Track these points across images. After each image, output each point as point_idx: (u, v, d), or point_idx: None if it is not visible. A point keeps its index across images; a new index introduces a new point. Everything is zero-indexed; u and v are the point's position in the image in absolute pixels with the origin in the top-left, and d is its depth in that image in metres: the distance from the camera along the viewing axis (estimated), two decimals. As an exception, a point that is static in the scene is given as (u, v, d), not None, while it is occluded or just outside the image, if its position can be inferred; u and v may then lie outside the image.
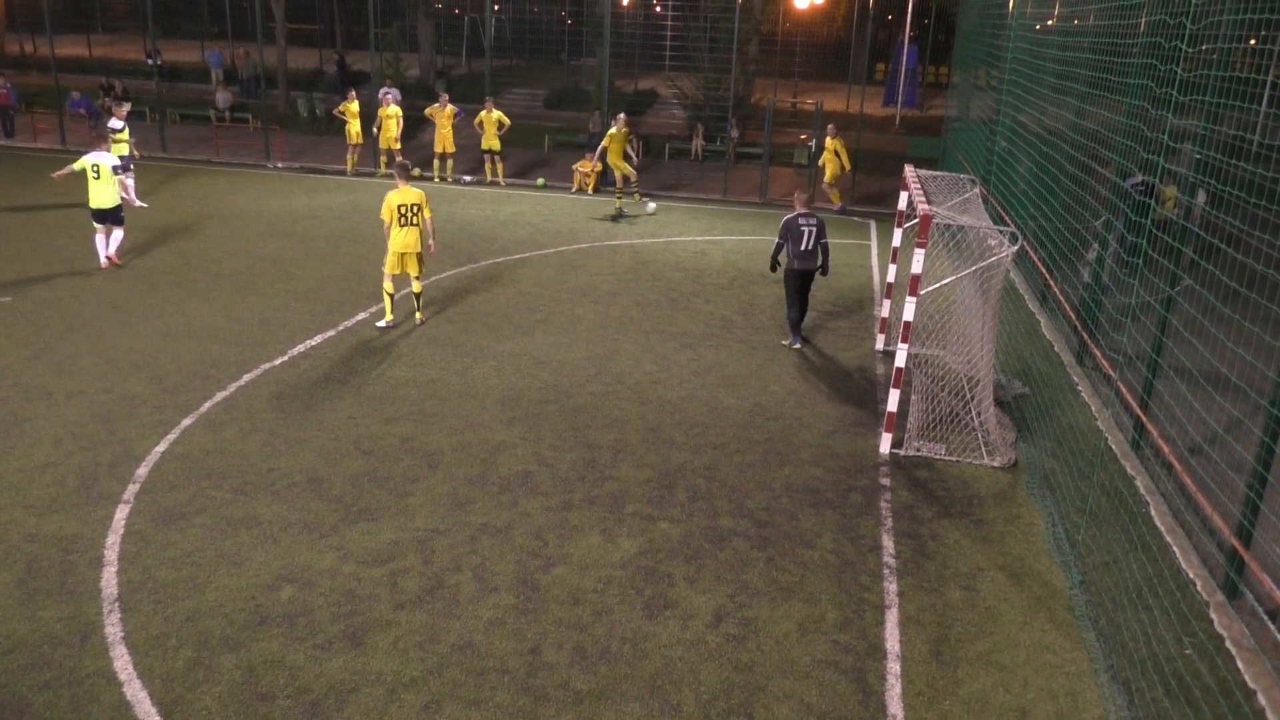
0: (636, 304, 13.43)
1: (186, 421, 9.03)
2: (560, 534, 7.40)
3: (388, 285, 11.89)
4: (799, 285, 11.69)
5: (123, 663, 5.73)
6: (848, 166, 20.92)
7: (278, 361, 10.62)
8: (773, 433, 9.46)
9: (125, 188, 17.24)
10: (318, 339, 11.38)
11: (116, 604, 6.27)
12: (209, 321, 11.80)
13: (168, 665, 5.73)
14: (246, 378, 10.13)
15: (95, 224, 13.89)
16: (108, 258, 13.94)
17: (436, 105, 21.66)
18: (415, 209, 11.60)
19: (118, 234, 14.09)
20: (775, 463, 8.82)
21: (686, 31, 26.75)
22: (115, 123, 17.54)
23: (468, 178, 22.29)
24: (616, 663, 5.97)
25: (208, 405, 9.40)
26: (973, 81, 21.18)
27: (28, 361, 10.31)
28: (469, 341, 11.57)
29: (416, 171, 22.29)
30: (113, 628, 6.03)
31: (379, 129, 21.76)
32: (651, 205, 19.94)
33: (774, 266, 11.71)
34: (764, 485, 8.37)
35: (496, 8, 34.02)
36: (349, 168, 22.55)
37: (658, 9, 25.17)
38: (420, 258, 11.85)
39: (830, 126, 21.08)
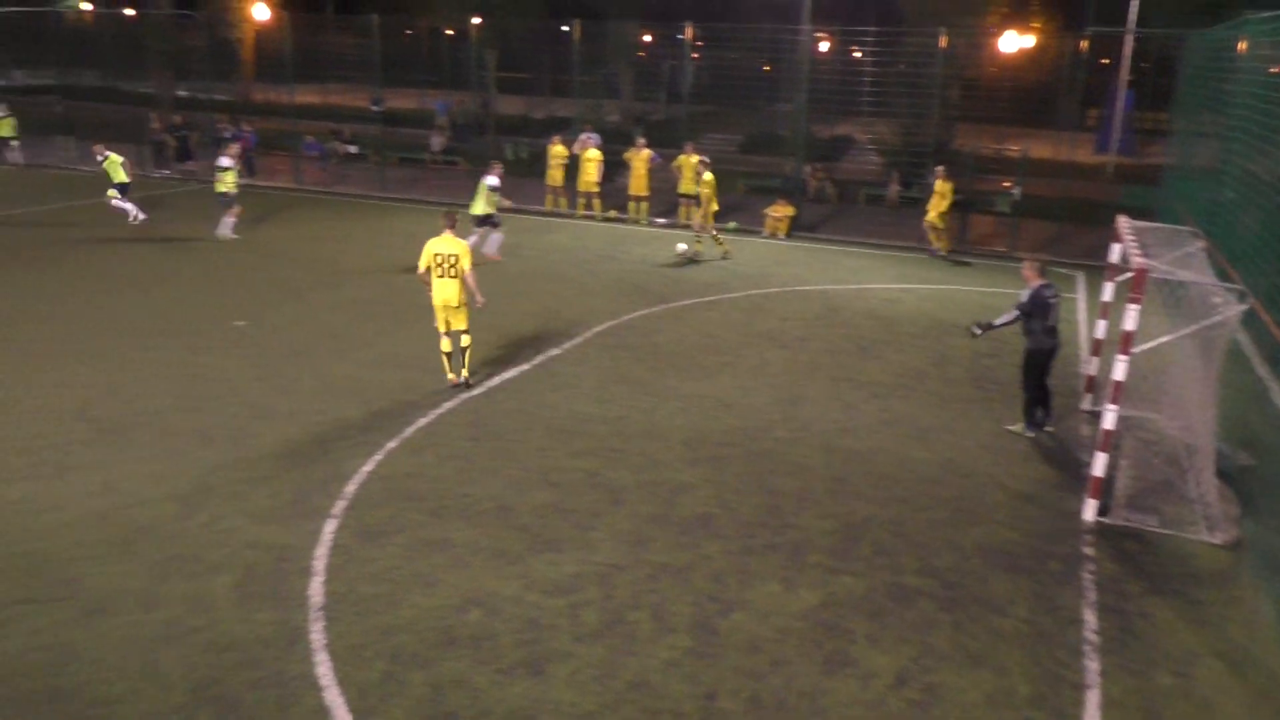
0: (825, 350, 13.25)
1: (390, 445, 9.55)
2: (740, 579, 7.34)
3: (442, 344, 11.16)
4: (1043, 365, 10.30)
5: (324, 669, 6.08)
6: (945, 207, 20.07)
7: (475, 392, 11.10)
8: (965, 490, 9.07)
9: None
10: (512, 372, 11.82)
11: (321, 613, 6.68)
12: (414, 351, 12.47)
13: (363, 675, 6.04)
14: (446, 406, 10.63)
15: (475, 228, 17.55)
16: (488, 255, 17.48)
17: (633, 149, 22.25)
18: (454, 260, 10.78)
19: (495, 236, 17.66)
20: (966, 521, 8.45)
21: (885, 77, 26.42)
22: (224, 160, 19.12)
23: (661, 220, 22.72)
24: (792, 717, 5.84)
25: (410, 430, 9.92)
26: (1197, 128, 19.84)
27: (255, 381, 11.20)
28: (656, 381, 11.73)
29: (613, 213, 22.94)
30: (316, 635, 6.42)
31: (550, 164, 22.66)
32: (682, 246, 18.59)
33: (983, 331, 10.51)
34: (953, 544, 8.03)
35: (695, 56, 34.71)
36: (549, 208, 23.45)
37: (857, 54, 25.02)
38: (465, 310, 11.00)
39: (940, 169, 20.30)
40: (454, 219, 11.07)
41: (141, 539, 7.61)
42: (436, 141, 31.99)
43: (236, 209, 19.17)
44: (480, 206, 17.78)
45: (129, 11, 42.61)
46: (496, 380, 11.52)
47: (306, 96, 38.35)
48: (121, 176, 19.93)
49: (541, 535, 7.89)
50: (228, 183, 19.00)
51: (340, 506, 8.24)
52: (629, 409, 10.79)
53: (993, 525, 8.40)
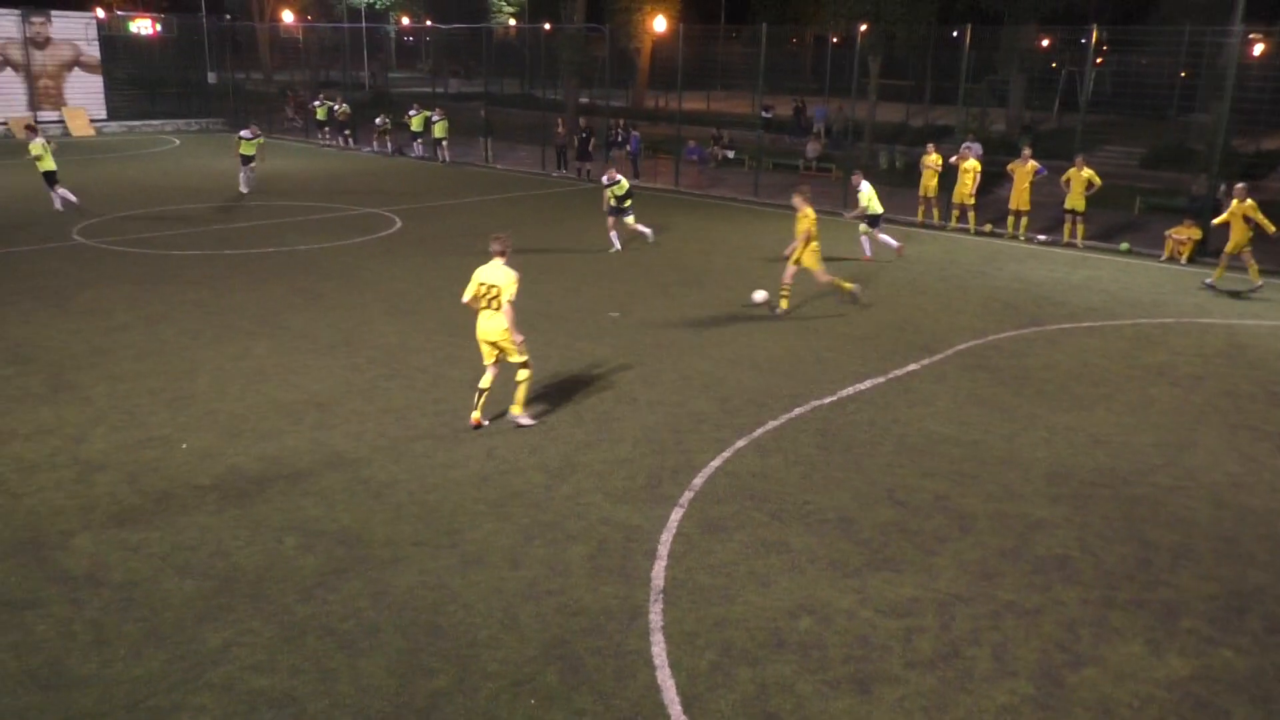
0: (1224, 393, 11.71)
1: (740, 443, 9.78)
2: (1096, 632, 6.70)
3: (483, 379, 9.94)
4: None
5: (658, 649, 6.37)
6: (1270, 229, 16.55)
7: (826, 400, 11.06)
8: (1396, 574, 7.62)
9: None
10: (867, 384, 11.63)
11: (661, 595, 7.00)
12: (771, 354, 12.66)
13: (694, 662, 6.25)
14: (796, 411, 10.69)
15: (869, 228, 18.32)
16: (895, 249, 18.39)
17: (1018, 161, 20.97)
18: (495, 291, 9.52)
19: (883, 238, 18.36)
20: (1395, 612, 7.09)
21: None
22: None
23: (1042, 236, 21.24)
24: (1145, 795, 5.24)
25: (760, 431, 10.10)
26: None
27: (622, 370, 11.95)
28: (1019, 407, 11.00)
29: (988, 227, 21.81)
30: (655, 616, 6.74)
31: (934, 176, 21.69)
32: (760, 294, 14.39)
33: None
34: (1374, 636, 6.77)
35: (1099, 61, 31.98)
36: (919, 219, 22.76)
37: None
38: (507, 347, 9.70)
39: (1239, 187, 16.86)
40: (506, 245, 9.69)
41: (513, 503, 8.41)
42: (811, 148, 32.21)
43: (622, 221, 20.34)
44: (875, 206, 18.28)
45: (546, 25, 47.04)
46: (849, 391, 11.39)
47: (693, 103, 40.21)
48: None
49: (882, 553, 7.71)
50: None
51: (687, 497, 8.57)
52: (987, 433, 10.22)
53: None
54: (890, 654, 6.39)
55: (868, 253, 18.82)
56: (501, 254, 9.65)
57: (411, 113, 33.76)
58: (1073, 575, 7.45)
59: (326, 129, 37.20)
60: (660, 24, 46.17)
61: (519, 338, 9.67)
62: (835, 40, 41.77)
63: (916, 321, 14.42)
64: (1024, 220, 21.25)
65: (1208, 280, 17.26)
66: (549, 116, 32.13)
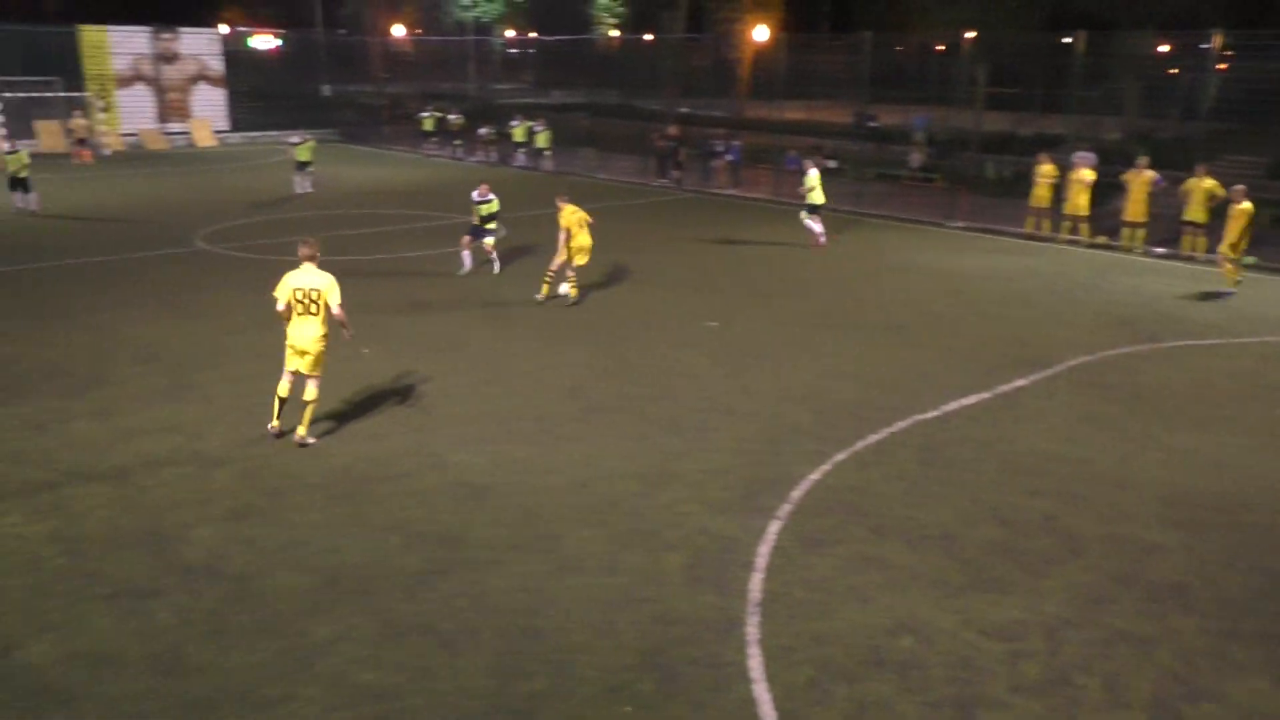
0: (1360, 416, 11.04)
1: (839, 456, 9.63)
2: (1216, 665, 6.38)
3: (281, 386, 9.67)
4: None
5: (755, 662, 6.31)
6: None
7: (929, 415, 10.81)
8: None
9: None
10: (971, 399, 11.33)
11: (758, 608, 6.93)
12: (871, 366, 12.45)
13: (790, 677, 6.17)
14: (898, 425, 10.48)
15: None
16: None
17: (1134, 170, 20.20)
18: (315, 295, 9.35)
19: None
20: None
21: None
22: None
23: (1159, 250, 20.40)
24: (1270, 839, 4.96)
25: (859, 444, 9.93)
26: None
27: (721, 379, 11.90)
28: (1133, 426, 10.57)
29: (1102, 239, 21.06)
30: (751, 629, 6.68)
31: (1066, 192, 20.98)
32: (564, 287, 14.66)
33: None
34: None
35: (1222, 67, 30.63)
36: (1028, 229, 22.10)
37: None
38: (320, 358, 9.55)
39: (1238, 189, 16.39)
40: (315, 249, 9.54)
41: (610, 510, 8.45)
42: (915, 158, 31.61)
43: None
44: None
45: (648, 36, 47.34)
46: (953, 405, 11.11)
47: (794, 113, 39.89)
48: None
49: (986, 573, 7.49)
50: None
51: (785, 509, 8.48)
52: (1098, 452, 9.84)
53: None
54: (995, 678, 6.19)
55: (821, 239, 20.02)
56: (311, 258, 9.49)
57: (514, 123, 34.40)
58: (1190, 604, 7.11)
59: (434, 139, 38.13)
60: (762, 32, 46.01)
61: (351, 333, 9.74)
62: (940, 48, 40.97)
63: (1024, 336, 14.00)
64: (1140, 232, 20.44)
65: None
66: (649, 127, 32.31)
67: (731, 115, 47.69)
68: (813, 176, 19.59)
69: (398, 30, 57.72)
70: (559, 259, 15.17)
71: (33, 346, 12.85)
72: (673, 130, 30.47)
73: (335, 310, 9.48)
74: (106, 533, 7.93)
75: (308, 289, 9.42)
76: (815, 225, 19.95)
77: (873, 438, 10.11)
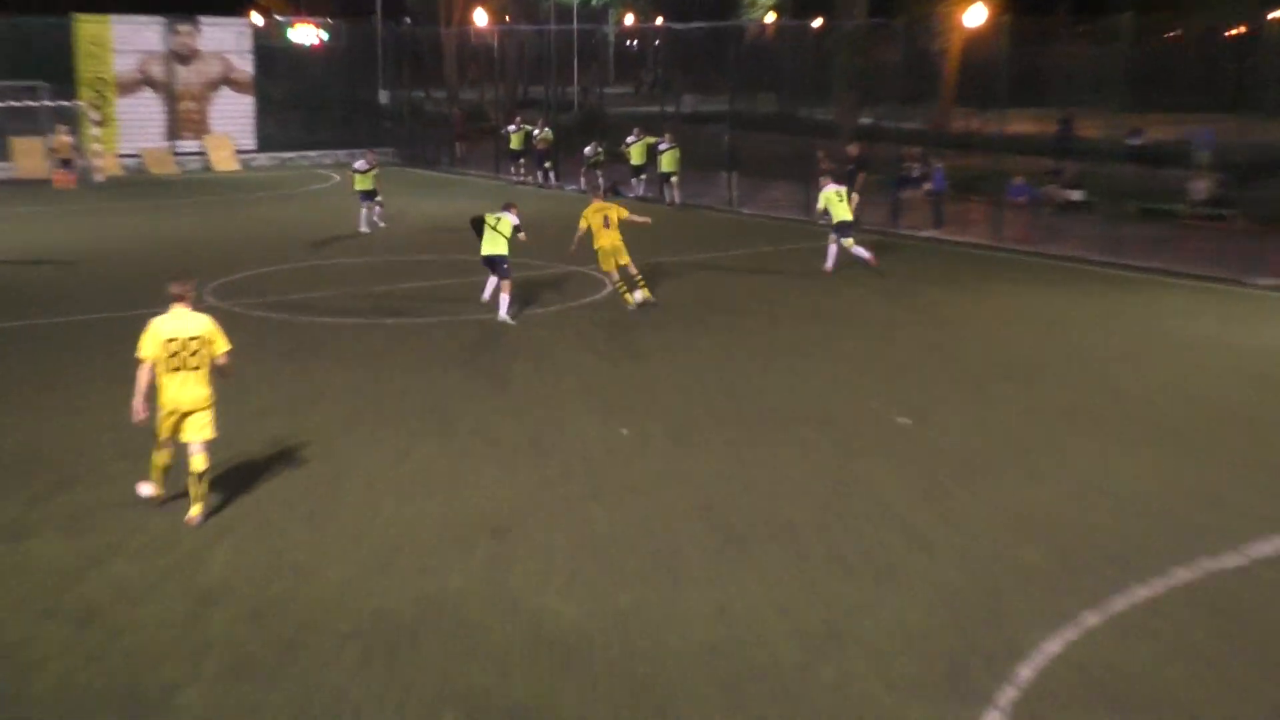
0: None
1: (1090, 618, 9.18)
2: None
3: (158, 456, 10.77)
4: None
5: None
6: None
7: (1225, 560, 10.27)
8: None
9: None
10: (1289, 538, 10.75)
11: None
12: (1136, 485, 12.00)
13: None
14: (1178, 573, 9.98)
15: None
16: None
17: None
18: (195, 346, 10.38)
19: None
20: None
21: None
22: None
23: None
24: None
25: (1120, 601, 9.47)
26: None
27: (915, 501, 11.61)
28: None
29: None
30: None
31: None
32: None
33: None
34: None
35: None
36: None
37: None
38: (209, 415, 10.65)
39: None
40: (188, 289, 10.64)
41: (753, 686, 8.21)
42: (1198, 187, 30.70)
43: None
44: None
45: (816, 22, 47.73)
46: (1265, 548, 10.51)
47: (1021, 124, 39.50)
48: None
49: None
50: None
51: (1009, 696, 8.08)
52: None
53: None
54: None
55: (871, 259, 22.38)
56: (182, 298, 10.45)
57: (631, 139, 34.97)
58: None
59: (522, 161, 39.19)
60: (976, 16, 45.86)
61: (232, 372, 10.87)
62: (1234, 32, 40.13)
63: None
64: None
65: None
66: (816, 144, 32.43)
67: (931, 128, 47.57)
68: (827, 193, 22.67)
69: (480, 18, 60.01)
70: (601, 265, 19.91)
71: (-10, 432, 13.50)
72: (851, 149, 30.51)
73: (221, 360, 10.61)
74: (61, 693, 8.09)
75: (185, 338, 10.33)
76: (861, 251, 22.45)
77: (1141, 591, 9.65)
